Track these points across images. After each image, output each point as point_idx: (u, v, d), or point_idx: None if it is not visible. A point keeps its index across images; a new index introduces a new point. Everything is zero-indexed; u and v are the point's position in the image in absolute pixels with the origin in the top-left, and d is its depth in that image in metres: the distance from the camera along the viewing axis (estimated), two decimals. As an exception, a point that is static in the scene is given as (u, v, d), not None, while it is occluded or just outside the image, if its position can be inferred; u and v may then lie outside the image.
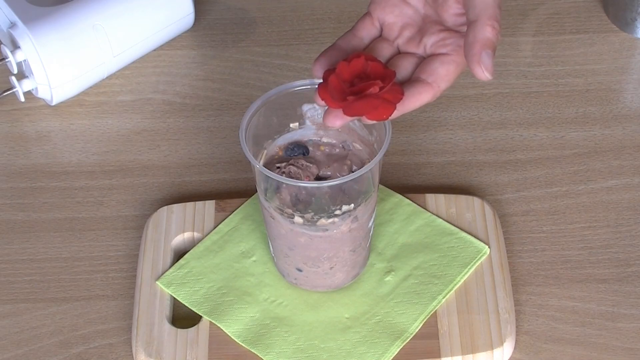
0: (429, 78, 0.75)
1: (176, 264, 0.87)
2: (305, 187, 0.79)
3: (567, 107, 1.01)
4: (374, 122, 0.73)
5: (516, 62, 1.05)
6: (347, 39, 0.78)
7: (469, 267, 0.86)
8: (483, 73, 0.72)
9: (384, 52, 0.78)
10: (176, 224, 0.90)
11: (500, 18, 0.74)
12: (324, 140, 0.83)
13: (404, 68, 0.76)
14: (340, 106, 0.72)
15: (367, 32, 0.78)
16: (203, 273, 0.87)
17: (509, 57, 1.05)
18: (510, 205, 0.93)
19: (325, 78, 0.73)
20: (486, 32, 0.73)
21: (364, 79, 0.73)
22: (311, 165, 0.81)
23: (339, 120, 0.73)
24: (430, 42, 0.77)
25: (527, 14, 1.09)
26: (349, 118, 0.73)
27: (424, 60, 0.76)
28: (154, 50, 1.06)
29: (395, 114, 0.73)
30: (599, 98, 1.01)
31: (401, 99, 0.73)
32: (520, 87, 1.03)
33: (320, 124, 0.83)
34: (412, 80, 0.75)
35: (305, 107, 0.82)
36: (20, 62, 0.99)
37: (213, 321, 0.84)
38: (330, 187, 0.78)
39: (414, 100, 0.74)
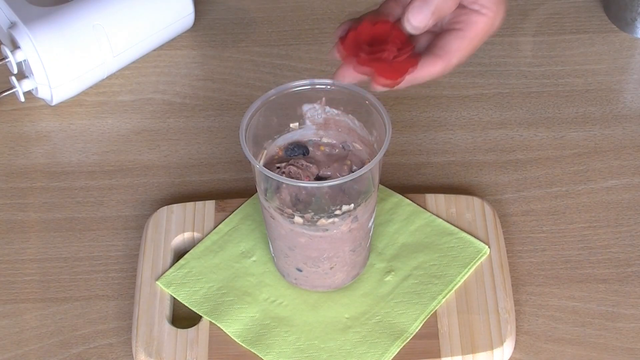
0: (440, 52, 0.76)
1: (176, 264, 0.87)
2: (305, 187, 0.79)
3: (567, 107, 1.01)
4: (382, 89, 0.74)
5: (516, 62, 1.05)
6: (373, 16, 0.79)
7: (469, 267, 0.86)
8: (407, 22, 0.74)
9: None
10: (176, 224, 0.90)
11: None
12: (324, 140, 0.83)
13: (419, 43, 0.78)
14: (352, 62, 0.73)
15: (391, 10, 0.79)
16: (203, 273, 0.87)
17: (509, 57, 1.05)
18: (510, 205, 0.93)
19: (346, 33, 0.75)
20: None
21: (382, 44, 0.73)
22: (311, 165, 0.81)
23: (347, 76, 0.74)
24: (446, 19, 0.78)
25: (527, 14, 1.09)
26: (357, 76, 0.74)
27: (437, 35, 0.77)
28: (154, 50, 1.06)
29: (404, 83, 0.74)
30: (599, 98, 1.01)
31: (412, 70, 0.74)
32: (520, 87, 1.03)
33: (320, 124, 0.83)
34: (424, 53, 0.77)
35: (305, 107, 0.82)
36: (20, 62, 0.99)
37: (213, 321, 0.84)
38: (330, 187, 0.78)
39: (424, 72, 0.75)
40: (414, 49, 0.75)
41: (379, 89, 0.74)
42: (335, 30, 0.77)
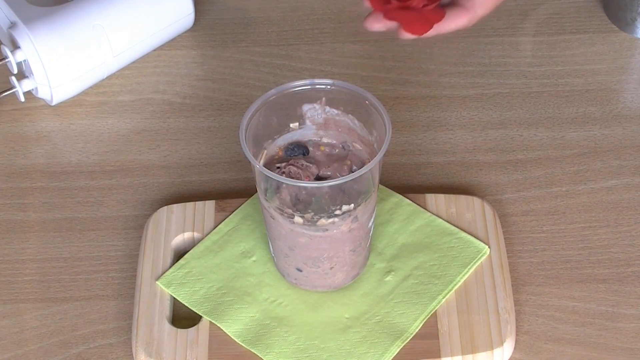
0: (467, 3, 0.78)
1: (176, 264, 0.87)
2: (305, 187, 0.79)
3: (567, 107, 1.01)
4: (410, 37, 0.76)
5: (516, 62, 1.05)
6: None
7: (469, 267, 0.86)
8: None
9: None
10: (176, 224, 0.90)
11: None
12: (324, 140, 0.83)
13: None
14: (382, 9, 0.76)
15: None
16: (203, 273, 0.87)
17: (509, 57, 1.05)
18: (510, 205, 0.93)
19: None
20: None
21: None
22: (311, 165, 0.81)
23: (377, 23, 0.77)
24: None
25: (527, 14, 1.09)
26: (387, 24, 0.76)
27: None
28: (154, 50, 1.06)
29: (431, 32, 0.77)
30: (599, 98, 1.01)
31: (440, 20, 0.77)
32: (520, 87, 1.03)
33: (320, 124, 0.83)
34: (450, 4, 0.79)
35: (305, 107, 0.82)
36: (20, 62, 0.99)
37: (213, 321, 0.84)
38: (330, 187, 0.78)
39: (450, 22, 0.78)
40: (441, 1, 0.78)
41: (408, 36, 0.76)
42: None
